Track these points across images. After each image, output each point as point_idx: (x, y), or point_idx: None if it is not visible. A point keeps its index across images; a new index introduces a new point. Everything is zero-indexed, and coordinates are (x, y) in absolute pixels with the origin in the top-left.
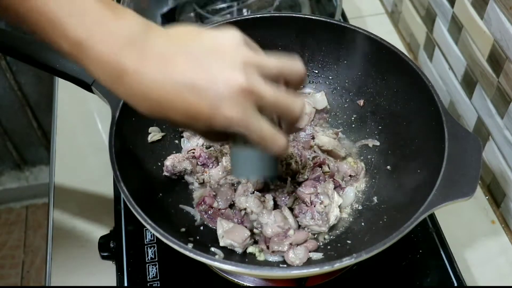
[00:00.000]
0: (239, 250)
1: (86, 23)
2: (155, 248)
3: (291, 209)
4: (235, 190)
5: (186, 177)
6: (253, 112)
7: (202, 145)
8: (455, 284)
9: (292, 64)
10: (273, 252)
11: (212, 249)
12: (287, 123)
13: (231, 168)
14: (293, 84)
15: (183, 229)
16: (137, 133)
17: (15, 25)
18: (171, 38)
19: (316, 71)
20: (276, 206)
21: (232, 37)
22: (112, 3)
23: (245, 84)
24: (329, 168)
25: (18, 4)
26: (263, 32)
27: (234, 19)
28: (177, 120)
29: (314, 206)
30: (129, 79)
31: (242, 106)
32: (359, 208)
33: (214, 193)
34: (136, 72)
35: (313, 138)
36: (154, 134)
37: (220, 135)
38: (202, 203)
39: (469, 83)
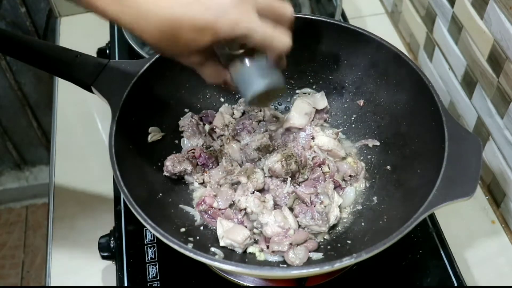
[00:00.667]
0: (239, 250)
1: None
2: (155, 248)
3: (291, 209)
4: (235, 190)
5: (186, 177)
6: (254, 13)
7: (202, 145)
8: (455, 284)
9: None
10: (273, 252)
11: (212, 249)
12: (282, 23)
13: (241, 92)
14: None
15: (183, 229)
16: (137, 133)
17: None
18: None
19: (316, 71)
20: (276, 206)
21: None
22: None
23: None
24: (329, 168)
25: None
26: None
27: None
28: (186, 36)
29: (314, 206)
30: (138, 4)
31: (243, 9)
32: (359, 208)
33: (214, 193)
34: None
35: (313, 138)
36: (154, 134)
37: (225, 51)
38: (202, 203)
39: (469, 83)
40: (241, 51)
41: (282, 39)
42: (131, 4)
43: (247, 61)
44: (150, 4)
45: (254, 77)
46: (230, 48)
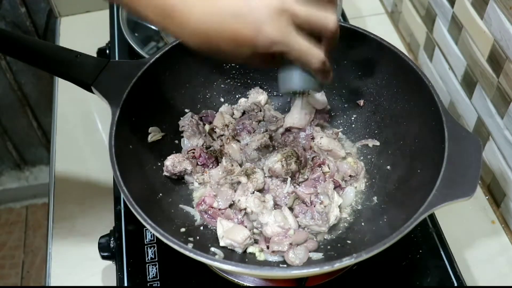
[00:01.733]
0: (239, 250)
1: None
2: (155, 248)
3: (291, 209)
4: (235, 190)
5: (186, 177)
6: (291, 29)
7: (202, 145)
8: (455, 284)
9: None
10: (273, 252)
11: (212, 249)
12: (325, 37)
13: (278, 86)
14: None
15: (183, 229)
16: (137, 133)
17: None
18: None
19: None
20: (276, 206)
21: None
22: None
23: (279, 4)
24: (329, 168)
25: None
26: None
27: None
28: (226, 49)
29: (314, 206)
30: (178, 15)
31: (280, 24)
32: (359, 208)
33: (214, 193)
34: (183, 9)
35: (313, 138)
36: (154, 134)
37: (267, 59)
38: (202, 203)
39: (469, 83)
40: None
41: (316, 56)
42: (174, 15)
43: (284, 68)
44: (192, 16)
45: (293, 79)
46: None
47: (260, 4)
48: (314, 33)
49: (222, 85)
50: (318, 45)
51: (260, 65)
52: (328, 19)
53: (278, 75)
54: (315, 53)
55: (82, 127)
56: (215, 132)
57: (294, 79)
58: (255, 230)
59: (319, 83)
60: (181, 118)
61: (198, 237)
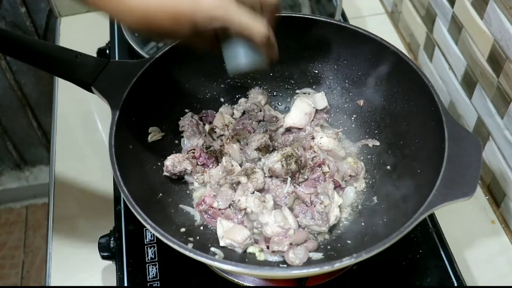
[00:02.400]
0: (239, 250)
1: None
2: (155, 248)
3: (291, 209)
4: (235, 190)
5: (186, 177)
6: (231, 1)
7: (202, 145)
8: (455, 284)
9: None
10: (273, 252)
11: (212, 249)
12: (266, 10)
13: (226, 67)
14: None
15: (183, 229)
16: (137, 133)
17: None
18: None
19: (316, 71)
20: (276, 206)
21: None
22: None
23: None
24: (329, 168)
25: None
26: None
27: None
28: (165, 27)
29: (314, 206)
30: None
31: None
32: (359, 208)
33: (214, 193)
34: None
35: (313, 138)
36: (154, 134)
37: (206, 36)
38: (202, 203)
39: (469, 83)
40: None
41: (258, 29)
42: None
43: (235, 40)
44: None
45: (238, 56)
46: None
47: None
48: (255, 6)
49: (222, 85)
50: (260, 18)
51: (202, 44)
52: None
53: (223, 56)
54: (258, 26)
55: (82, 127)
56: (215, 132)
57: (239, 56)
58: (255, 230)
59: (265, 60)
60: (181, 118)
61: (198, 237)
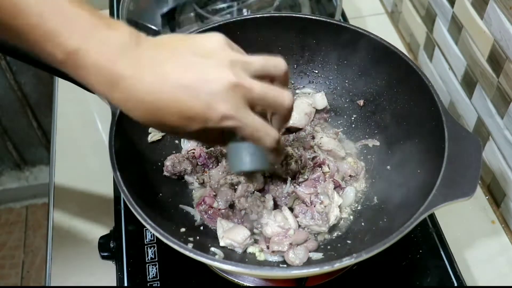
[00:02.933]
0: (239, 250)
1: (81, 33)
2: (155, 248)
3: (291, 209)
4: (235, 190)
5: (186, 177)
6: (244, 106)
7: (202, 145)
8: (455, 284)
9: (275, 60)
10: (273, 252)
11: (212, 249)
12: (279, 116)
13: (229, 164)
14: (278, 80)
15: (183, 229)
16: (137, 133)
17: (9, 40)
18: (161, 44)
19: (316, 71)
20: (276, 206)
21: (218, 40)
22: (105, 16)
23: (234, 79)
24: (329, 168)
25: (12, 19)
26: (263, 32)
27: (234, 19)
28: (173, 123)
29: (314, 206)
30: (126, 84)
31: (234, 101)
32: (359, 208)
33: (214, 193)
34: (132, 77)
35: (313, 138)
36: (154, 134)
37: (214, 135)
38: (202, 203)
39: (469, 83)
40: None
41: (271, 134)
42: (121, 84)
43: (240, 141)
44: (141, 86)
45: (243, 158)
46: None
47: (215, 78)
48: (267, 111)
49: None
50: (270, 124)
51: (208, 141)
52: (284, 95)
53: (228, 155)
54: (270, 131)
55: (82, 127)
56: None
57: (244, 159)
58: (255, 230)
59: (270, 163)
60: None
61: (198, 237)
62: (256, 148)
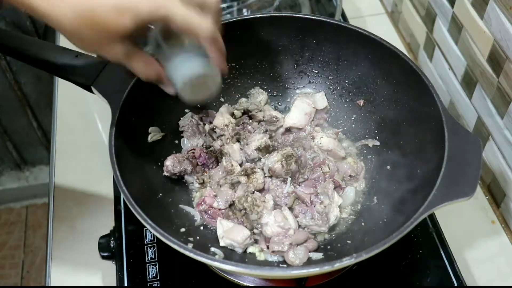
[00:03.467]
0: (239, 250)
1: None
2: (155, 248)
3: (291, 209)
4: (235, 190)
5: (186, 177)
6: None
7: (202, 145)
8: (455, 284)
9: None
10: (273, 252)
11: (212, 249)
12: (208, 10)
13: (173, 82)
14: None
15: (183, 229)
16: (137, 133)
17: None
18: None
19: (316, 71)
20: (276, 206)
21: None
22: None
23: None
24: (329, 168)
25: None
26: (263, 32)
27: (234, 19)
28: (105, 19)
29: (314, 206)
30: None
31: None
32: (359, 208)
33: (214, 193)
34: None
35: (313, 138)
36: (154, 134)
37: (143, 56)
38: (202, 203)
39: (469, 83)
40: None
41: (204, 24)
42: None
43: (176, 49)
44: None
45: (183, 64)
46: (158, 39)
47: None
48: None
49: (222, 85)
50: (205, 16)
51: (138, 64)
52: None
53: (167, 71)
54: (203, 21)
55: (82, 127)
56: (215, 132)
57: (183, 66)
58: (255, 230)
59: (214, 67)
60: (181, 118)
61: (198, 237)
62: (193, 53)
